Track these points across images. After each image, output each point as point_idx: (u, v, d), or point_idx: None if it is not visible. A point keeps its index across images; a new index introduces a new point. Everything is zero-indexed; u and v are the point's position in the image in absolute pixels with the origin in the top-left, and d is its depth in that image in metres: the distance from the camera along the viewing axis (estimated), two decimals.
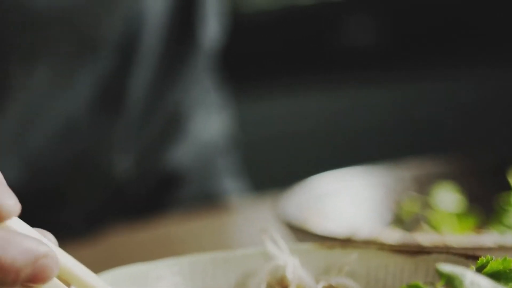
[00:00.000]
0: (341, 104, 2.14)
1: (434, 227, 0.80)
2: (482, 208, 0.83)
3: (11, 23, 0.93)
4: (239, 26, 1.90)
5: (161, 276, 0.53)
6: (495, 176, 0.85)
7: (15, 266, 0.40)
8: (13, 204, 0.42)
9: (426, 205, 0.84)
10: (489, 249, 0.60)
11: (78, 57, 0.98)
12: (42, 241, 0.43)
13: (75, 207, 1.03)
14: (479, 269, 0.45)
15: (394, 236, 0.71)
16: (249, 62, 2.16)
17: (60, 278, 0.45)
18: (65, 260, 0.45)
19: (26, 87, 0.95)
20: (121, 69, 1.02)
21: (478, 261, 0.45)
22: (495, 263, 0.46)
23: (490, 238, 0.69)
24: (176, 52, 1.07)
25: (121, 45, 1.01)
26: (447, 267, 0.38)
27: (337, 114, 2.13)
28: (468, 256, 0.50)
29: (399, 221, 0.84)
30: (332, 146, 2.09)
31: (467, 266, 0.48)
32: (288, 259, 0.54)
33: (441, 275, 0.38)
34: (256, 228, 0.98)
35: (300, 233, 0.70)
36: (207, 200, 1.11)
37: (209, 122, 1.14)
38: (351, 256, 0.54)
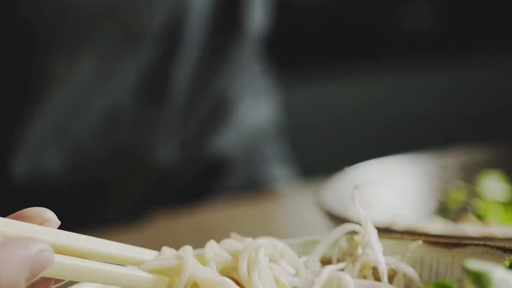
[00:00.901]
0: (390, 90, 2.11)
1: (480, 216, 0.78)
2: None
3: (53, 15, 0.93)
4: (289, 8, 1.89)
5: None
6: None
7: (14, 282, 0.40)
8: None
9: (473, 193, 0.82)
10: None
11: (121, 46, 0.98)
12: (30, 239, 0.42)
13: (119, 197, 1.03)
14: None
15: (436, 226, 0.70)
16: (298, 47, 2.15)
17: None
18: (72, 240, 0.44)
19: (69, 77, 0.95)
20: (165, 58, 1.01)
21: (511, 257, 0.44)
22: None
23: None
24: (221, 40, 1.06)
25: (165, 34, 1.00)
26: (475, 264, 0.37)
27: (385, 100, 2.10)
28: (505, 249, 0.48)
29: (444, 210, 0.82)
30: (381, 132, 2.07)
31: (503, 259, 0.47)
32: (369, 226, 0.52)
33: (468, 272, 0.37)
34: (299, 216, 0.97)
35: (339, 222, 0.69)
36: (253, 187, 1.10)
37: (256, 108, 1.13)
38: (414, 245, 0.53)
